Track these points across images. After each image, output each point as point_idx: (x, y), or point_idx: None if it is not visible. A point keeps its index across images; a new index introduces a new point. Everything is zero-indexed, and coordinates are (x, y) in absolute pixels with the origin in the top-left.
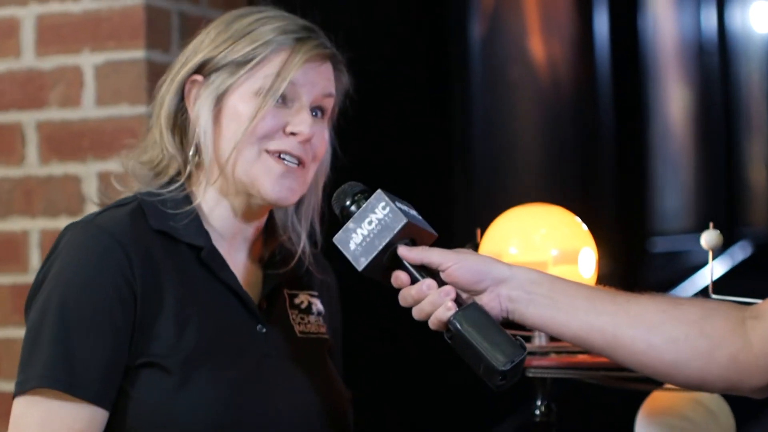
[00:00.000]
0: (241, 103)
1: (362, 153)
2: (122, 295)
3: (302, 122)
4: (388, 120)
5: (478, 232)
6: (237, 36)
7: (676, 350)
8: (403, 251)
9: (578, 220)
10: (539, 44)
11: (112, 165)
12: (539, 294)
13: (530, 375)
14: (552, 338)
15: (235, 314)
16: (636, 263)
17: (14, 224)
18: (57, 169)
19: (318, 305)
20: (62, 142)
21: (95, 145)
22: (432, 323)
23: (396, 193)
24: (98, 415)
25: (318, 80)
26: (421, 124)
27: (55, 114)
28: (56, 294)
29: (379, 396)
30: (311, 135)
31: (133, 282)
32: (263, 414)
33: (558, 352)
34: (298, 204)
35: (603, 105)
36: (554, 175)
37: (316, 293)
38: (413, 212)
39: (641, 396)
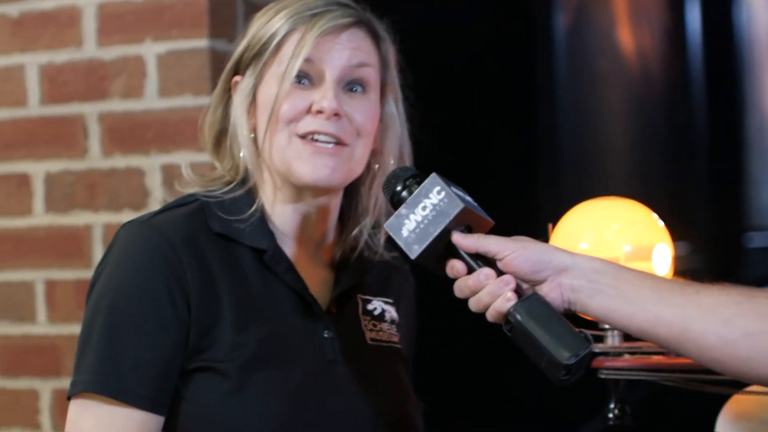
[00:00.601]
0: (269, 89)
1: (446, 147)
2: (173, 297)
3: (324, 97)
4: (472, 114)
5: (550, 227)
6: (261, 26)
7: (750, 345)
8: (458, 238)
9: (654, 215)
10: (628, 36)
11: (177, 157)
12: (603, 283)
13: (603, 376)
14: (626, 338)
15: (299, 318)
16: (731, 259)
17: (77, 218)
18: (120, 161)
19: (392, 313)
20: (125, 134)
21: (159, 137)
22: (490, 315)
23: (481, 189)
24: (151, 420)
25: (340, 52)
26: (505, 119)
27: (117, 105)
28: (107, 295)
29: (451, 407)
30: (335, 110)
31: (185, 284)
32: (323, 422)
33: (632, 353)
34: (368, 198)
35: (695, 98)
36: (644, 169)
37: (391, 300)
38: (469, 198)
39: (721, 399)
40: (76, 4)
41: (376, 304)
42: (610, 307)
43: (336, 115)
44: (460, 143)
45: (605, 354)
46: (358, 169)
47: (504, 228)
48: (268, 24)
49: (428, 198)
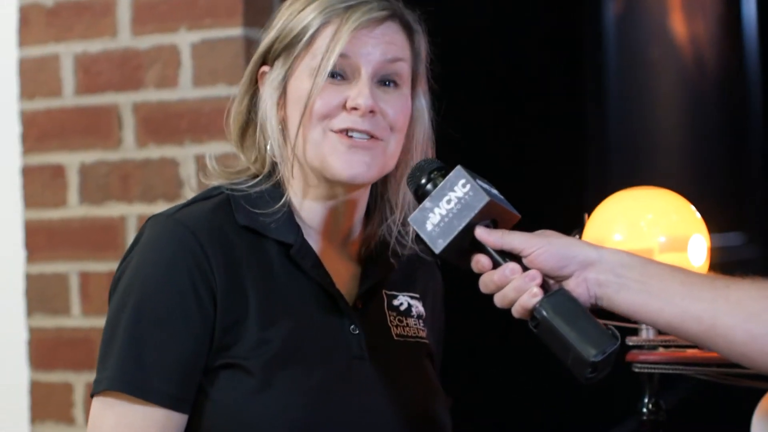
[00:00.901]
0: (301, 83)
1: (494, 139)
2: (199, 293)
3: (359, 95)
4: (520, 107)
5: (586, 216)
6: (291, 17)
7: None
8: (482, 234)
9: (690, 205)
10: (681, 23)
11: (211, 148)
12: (630, 278)
13: (637, 370)
14: (660, 331)
15: (325, 314)
16: None
17: (111, 210)
18: (154, 152)
19: (419, 308)
20: (159, 124)
21: (193, 127)
22: (516, 311)
23: (529, 182)
24: (174, 418)
25: (375, 47)
26: (553, 109)
27: (151, 95)
28: (132, 290)
29: (480, 403)
30: (370, 107)
31: (211, 279)
32: (349, 419)
33: (666, 346)
34: (397, 192)
35: (751, 86)
36: (698, 160)
37: (417, 295)
38: (495, 191)
39: (758, 394)
40: None
41: (402, 300)
42: (637, 302)
43: (371, 112)
44: (507, 136)
45: (639, 347)
46: (391, 164)
47: (553, 221)
48: (299, 15)
49: (453, 191)
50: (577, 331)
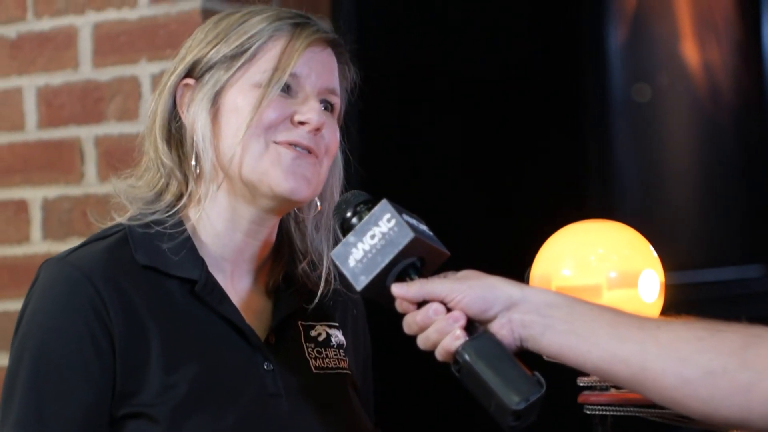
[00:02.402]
0: (241, 96)
1: (489, 172)
2: (96, 339)
3: (311, 110)
4: (516, 139)
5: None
6: (227, 30)
7: (711, 385)
8: (399, 290)
9: (644, 240)
10: (693, 49)
11: None
12: (556, 318)
13: (588, 412)
14: None
15: (236, 351)
16: None
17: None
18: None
19: (338, 337)
20: (121, 157)
21: None
22: (439, 354)
23: (533, 213)
24: None
25: (322, 69)
26: (552, 142)
27: (113, 128)
28: (28, 340)
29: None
30: (321, 123)
31: (108, 324)
32: None
33: (618, 387)
34: (313, 216)
35: None
36: (713, 192)
37: (336, 324)
38: (423, 227)
39: None
40: (73, 24)
41: (320, 330)
42: (564, 344)
43: (317, 129)
44: (506, 165)
45: (590, 388)
46: (319, 189)
47: None
48: (241, 27)
49: (378, 226)
50: (501, 377)
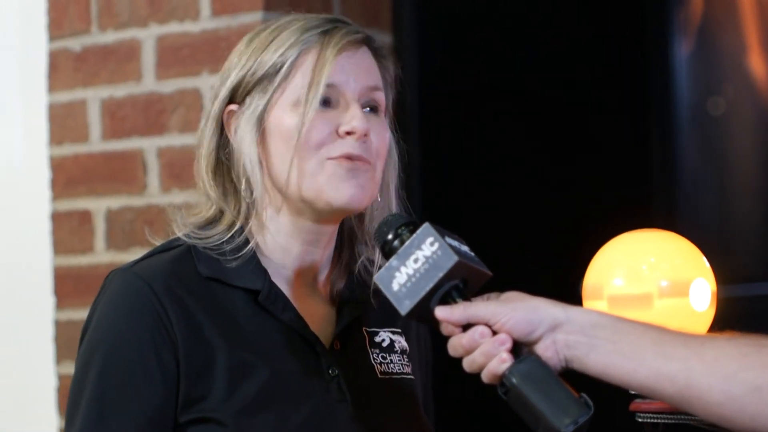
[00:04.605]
0: (285, 116)
1: (554, 186)
2: (159, 349)
3: (354, 117)
4: (581, 152)
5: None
6: (260, 49)
7: (758, 401)
8: (443, 313)
9: (696, 249)
10: (760, 60)
11: None
12: (601, 338)
13: (640, 420)
14: None
15: (301, 358)
16: None
17: (137, 256)
18: (177, 197)
19: (402, 342)
20: (182, 169)
21: None
22: (485, 377)
23: (591, 234)
24: None
25: (358, 72)
26: (617, 156)
27: (175, 139)
28: (94, 350)
29: None
30: (366, 129)
31: (171, 333)
32: None
33: None
34: (372, 222)
35: None
36: None
37: (399, 330)
38: (465, 248)
39: None
40: (136, 37)
41: (384, 336)
42: (609, 364)
43: (365, 135)
44: (571, 178)
45: (641, 397)
46: (376, 193)
47: None
48: (271, 45)
49: (421, 249)
50: (548, 400)
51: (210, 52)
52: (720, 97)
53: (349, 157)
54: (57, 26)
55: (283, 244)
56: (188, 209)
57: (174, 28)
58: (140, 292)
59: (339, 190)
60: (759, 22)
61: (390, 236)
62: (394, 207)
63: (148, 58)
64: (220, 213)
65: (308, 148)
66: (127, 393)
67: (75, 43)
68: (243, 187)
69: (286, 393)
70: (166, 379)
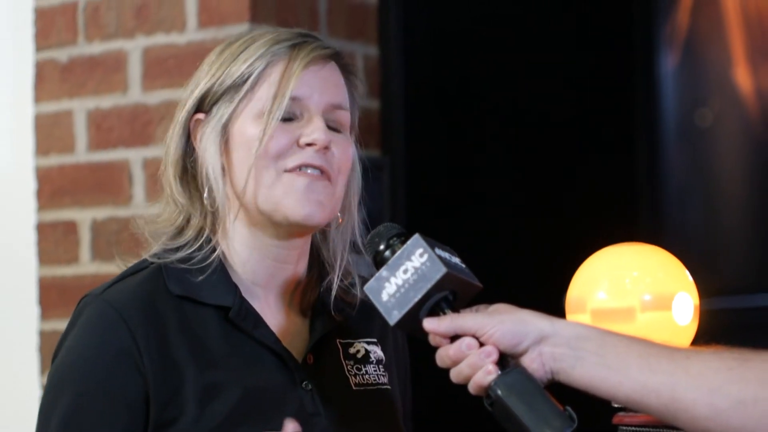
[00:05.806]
0: (248, 126)
1: (539, 196)
2: (127, 376)
3: (315, 129)
4: (567, 163)
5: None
6: (229, 60)
7: (743, 414)
8: (431, 325)
9: (679, 263)
10: (746, 74)
11: None
12: (587, 351)
13: None
14: None
15: (273, 374)
16: None
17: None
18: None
19: (377, 352)
20: None
21: None
22: (471, 388)
23: (576, 246)
24: None
25: (324, 86)
26: (603, 167)
27: (161, 151)
28: (62, 374)
29: None
30: (327, 141)
31: (139, 363)
32: None
33: None
34: (339, 243)
35: None
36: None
37: (374, 339)
38: (455, 260)
39: None
40: (122, 48)
41: (359, 347)
42: (595, 376)
43: (326, 147)
44: (557, 189)
45: (625, 409)
46: (337, 209)
47: None
48: (241, 56)
49: (410, 260)
50: (533, 413)
51: (196, 63)
52: (706, 110)
53: (307, 167)
54: (44, 37)
55: (249, 259)
56: (154, 219)
57: (160, 39)
58: (111, 323)
59: (296, 204)
60: (745, 35)
61: (381, 246)
62: (355, 223)
63: (135, 69)
64: (188, 220)
65: (266, 157)
66: (93, 419)
67: (62, 54)
68: (206, 195)
69: (259, 410)
70: (135, 408)
